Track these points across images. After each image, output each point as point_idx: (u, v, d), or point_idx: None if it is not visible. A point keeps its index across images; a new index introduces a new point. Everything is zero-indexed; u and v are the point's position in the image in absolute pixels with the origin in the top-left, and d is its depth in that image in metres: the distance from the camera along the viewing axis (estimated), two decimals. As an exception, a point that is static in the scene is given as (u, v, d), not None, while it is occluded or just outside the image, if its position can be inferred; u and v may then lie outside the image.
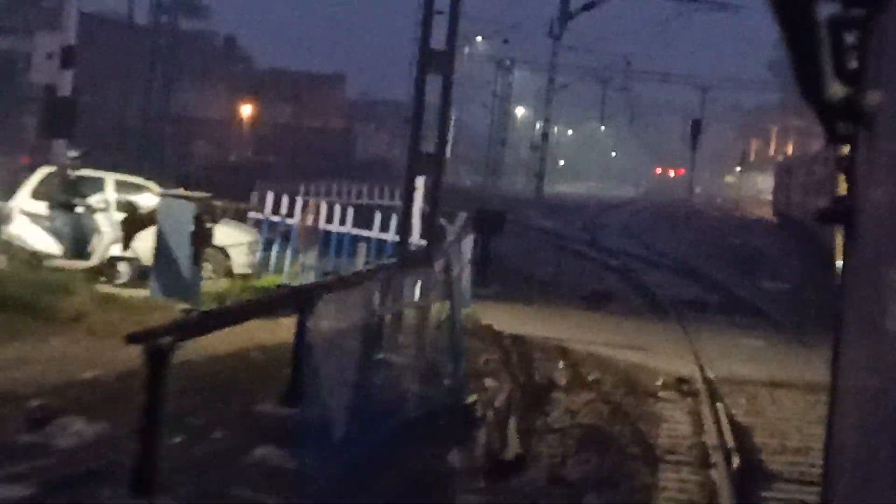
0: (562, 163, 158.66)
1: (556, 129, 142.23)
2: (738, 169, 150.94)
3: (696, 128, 56.72)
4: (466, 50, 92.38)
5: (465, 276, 17.48)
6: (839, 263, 3.08)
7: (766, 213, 70.29)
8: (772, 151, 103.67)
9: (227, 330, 9.83)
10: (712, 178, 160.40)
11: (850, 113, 2.69)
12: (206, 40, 73.07)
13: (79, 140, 20.75)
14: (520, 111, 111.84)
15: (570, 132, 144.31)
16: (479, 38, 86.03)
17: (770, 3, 2.30)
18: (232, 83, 69.25)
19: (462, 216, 21.02)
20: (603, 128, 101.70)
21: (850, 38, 2.79)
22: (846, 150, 3.18)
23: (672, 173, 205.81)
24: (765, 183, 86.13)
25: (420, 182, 18.04)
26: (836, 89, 2.60)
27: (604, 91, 79.07)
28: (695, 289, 28.23)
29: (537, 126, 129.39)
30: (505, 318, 18.11)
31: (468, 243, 18.67)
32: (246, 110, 67.91)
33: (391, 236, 19.43)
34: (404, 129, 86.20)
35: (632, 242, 43.57)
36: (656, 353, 17.11)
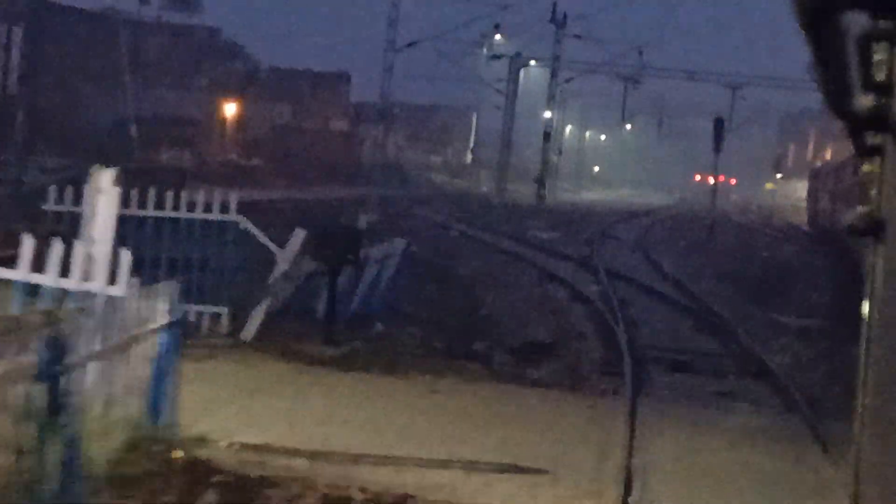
0: (596, 169, 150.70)
1: (587, 134, 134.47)
2: (779, 175, 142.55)
3: (720, 128, 48.75)
4: (484, 49, 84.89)
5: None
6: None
7: (803, 221, 62.65)
8: (810, 156, 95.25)
9: None
10: (752, 185, 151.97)
11: (878, 124, 2.59)
12: (194, 35, 65.94)
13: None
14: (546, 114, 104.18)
15: (602, 137, 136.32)
16: (497, 37, 78.47)
17: (796, 16, 2.29)
18: (217, 81, 62.02)
19: (297, 238, 13.47)
20: (629, 126, 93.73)
21: (878, 50, 2.52)
22: (871, 164, 2.82)
23: (711, 180, 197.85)
24: (804, 190, 78.17)
25: (106, 179, 10.32)
26: (865, 101, 2.51)
27: (625, 88, 70.91)
28: (686, 331, 20.54)
29: (567, 130, 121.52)
30: (300, 418, 10.54)
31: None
32: (230, 110, 60.67)
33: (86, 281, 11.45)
34: (420, 133, 78.22)
35: (636, 259, 35.84)
36: (554, 487, 9.50)
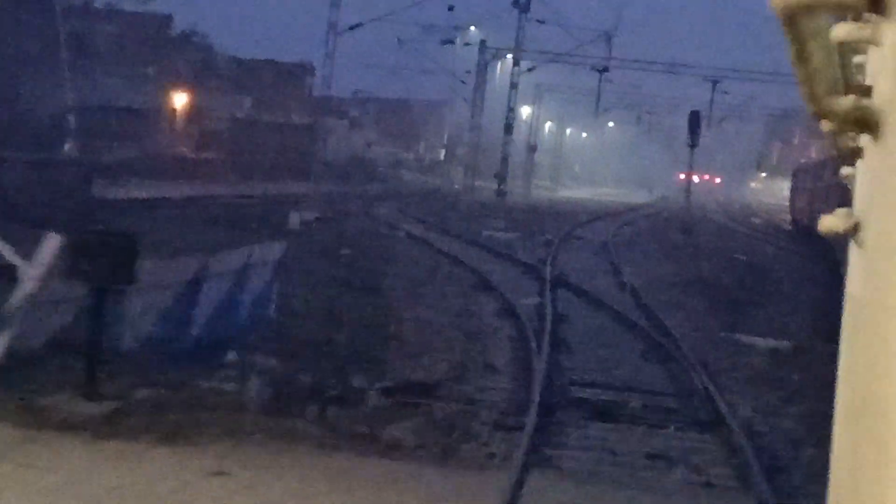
0: (577, 167, 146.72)
1: (568, 131, 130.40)
2: (764, 174, 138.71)
3: (695, 122, 44.86)
4: (458, 40, 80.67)
5: None
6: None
7: (787, 220, 58.89)
8: (795, 154, 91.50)
9: None
10: (739, 184, 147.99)
11: (858, 126, 2.53)
12: (146, 23, 61.81)
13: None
14: (525, 110, 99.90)
15: (584, 135, 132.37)
16: (472, 28, 74.44)
17: (777, 15, 2.23)
18: (168, 70, 57.86)
19: (48, 247, 9.51)
20: (611, 123, 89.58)
21: (857, 52, 2.68)
22: (850, 167, 2.92)
23: (697, 178, 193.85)
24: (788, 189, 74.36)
25: None
26: (845, 102, 2.46)
27: (599, 79, 66.89)
28: (629, 359, 16.57)
29: (546, 127, 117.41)
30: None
31: None
32: (179, 100, 56.62)
33: None
34: (392, 128, 74.14)
35: (595, 264, 31.93)
36: None
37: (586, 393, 13.38)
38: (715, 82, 66.61)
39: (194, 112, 60.61)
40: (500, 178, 54.85)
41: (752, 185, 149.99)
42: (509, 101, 56.23)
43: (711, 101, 66.24)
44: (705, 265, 35.07)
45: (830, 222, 2.64)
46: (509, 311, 19.46)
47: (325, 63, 40.95)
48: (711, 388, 13.69)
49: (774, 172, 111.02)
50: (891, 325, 2.09)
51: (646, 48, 62.10)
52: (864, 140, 2.59)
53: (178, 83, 57.17)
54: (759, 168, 79.78)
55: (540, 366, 13.82)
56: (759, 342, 19.17)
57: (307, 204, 38.46)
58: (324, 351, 14.32)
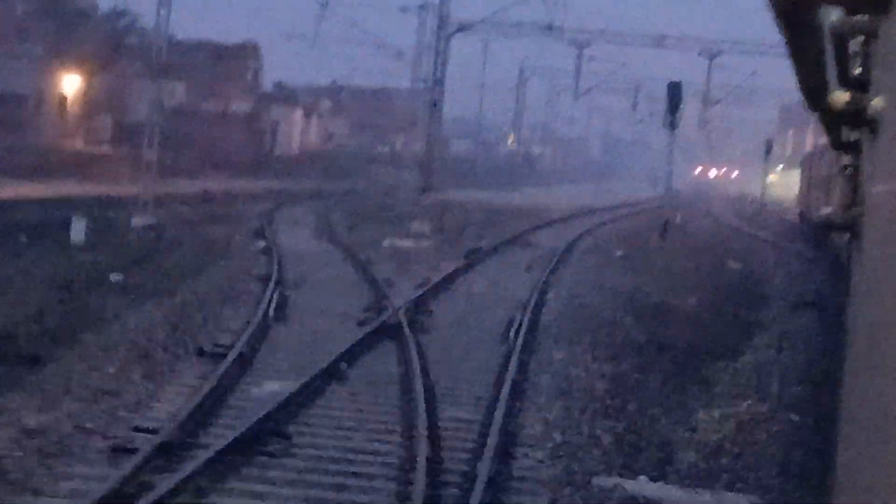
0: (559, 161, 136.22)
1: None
2: (781, 167, 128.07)
3: (675, 97, 34.73)
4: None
5: None
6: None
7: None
8: (809, 144, 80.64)
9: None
10: (757, 177, 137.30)
11: (854, 119, 2.64)
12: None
13: None
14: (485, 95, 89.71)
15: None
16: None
17: (773, 10, 2.27)
18: (63, 49, 48.00)
19: None
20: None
21: (854, 46, 2.59)
22: (846, 160, 2.94)
23: (714, 172, 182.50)
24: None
25: None
26: (841, 96, 2.48)
27: (578, 57, 56.50)
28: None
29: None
30: None
31: None
32: (71, 84, 46.87)
33: None
34: (366, 119, 63.59)
35: (513, 287, 22.10)
36: None
37: None
38: (711, 57, 56.31)
39: (101, 100, 50.87)
40: (426, 170, 44.73)
41: (770, 177, 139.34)
42: (435, 69, 45.98)
43: (708, 78, 56.09)
44: (679, 283, 25.17)
45: (827, 216, 3.75)
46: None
47: (159, 13, 31.15)
48: None
49: (790, 164, 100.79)
50: (890, 308, 1.92)
51: (632, 19, 51.74)
52: (861, 134, 2.64)
53: (76, 65, 47.42)
54: (768, 158, 69.33)
55: None
56: (720, 432, 9.78)
57: (151, 208, 28.67)
58: None
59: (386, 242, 27.99)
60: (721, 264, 31.18)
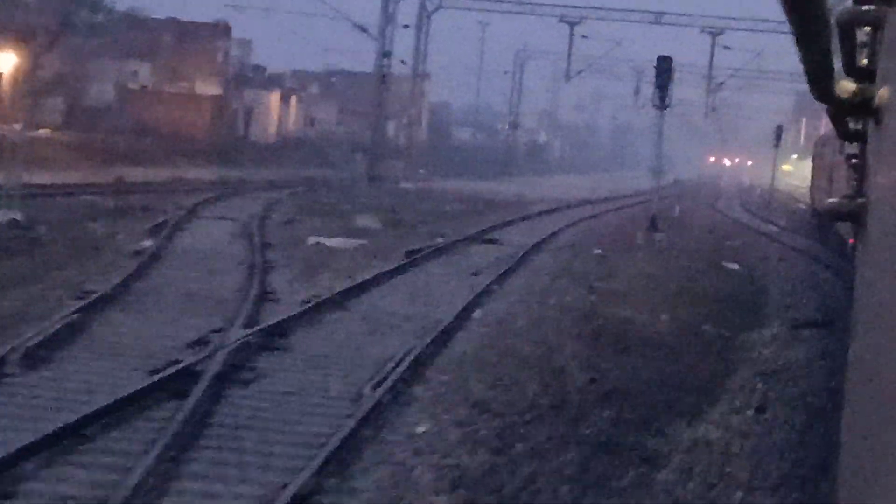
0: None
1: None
2: (795, 156, 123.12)
3: (664, 70, 29.81)
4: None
5: None
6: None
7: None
8: (823, 131, 75.57)
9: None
10: (775, 167, 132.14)
11: (860, 109, 2.55)
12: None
13: None
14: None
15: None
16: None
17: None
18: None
19: None
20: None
21: (861, 35, 2.55)
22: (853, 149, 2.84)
23: (728, 162, 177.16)
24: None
25: None
26: (847, 86, 2.49)
27: (571, 34, 51.47)
28: None
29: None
30: None
31: None
32: (5, 63, 42.11)
33: None
34: (355, 105, 58.98)
35: (429, 300, 17.33)
36: None
37: None
38: (714, 35, 51.12)
39: (52, 80, 46.18)
40: (372, 155, 39.79)
41: (784, 167, 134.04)
42: (416, 47, 40.77)
43: (711, 57, 50.93)
44: (651, 298, 20.31)
45: (833, 206, 2.58)
46: None
47: None
48: None
49: (805, 153, 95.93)
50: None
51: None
52: (867, 124, 2.56)
53: (14, 40, 42.68)
54: (779, 146, 64.29)
55: None
56: None
57: (19, 200, 23.86)
58: None
59: (310, 241, 23.19)
60: (714, 266, 26.33)
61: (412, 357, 11.72)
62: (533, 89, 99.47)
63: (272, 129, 59.02)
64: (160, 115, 51.13)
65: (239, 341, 11.59)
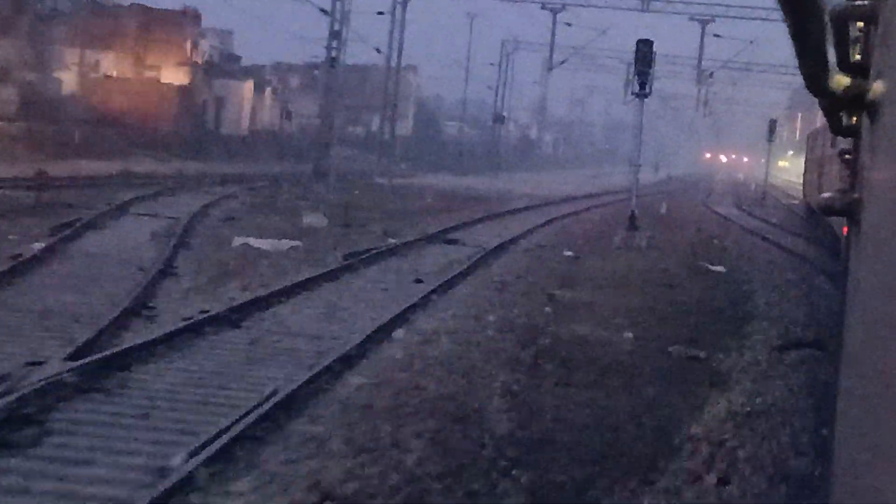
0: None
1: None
2: (791, 152, 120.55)
3: (645, 55, 27.00)
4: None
5: None
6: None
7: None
8: (818, 125, 72.55)
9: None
10: (770, 163, 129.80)
11: (854, 104, 2.51)
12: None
13: None
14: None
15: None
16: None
17: None
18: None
19: None
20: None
21: (854, 31, 2.51)
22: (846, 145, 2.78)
23: (724, 158, 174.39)
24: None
25: None
26: (841, 80, 2.42)
27: (553, 21, 48.47)
28: None
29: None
30: None
31: None
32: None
33: None
34: (345, 98, 56.25)
35: (351, 314, 14.56)
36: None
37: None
38: (703, 23, 48.23)
39: (4, 69, 43.36)
40: (322, 146, 36.90)
41: (780, 163, 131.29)
42: (390, 36, 37.70)
43: (701, 47, 48.06)
44: (623, 300, 17.67)
45: (826, 201, 2.48)
46: None
47: None
48: None
49: (801, 148, 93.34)
50: (893, 304, 1.90)
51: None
52: (860, 119, 2.51)
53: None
54: (772, 141, 61.60)
55: None
56: None
57: None
58: None
59: (236, 242, 20.40)
60: (697, 269, 23.57)
61: (269, 405, 8.88)
62: (526, 83, 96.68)
63: (245, 122, 56.18)
64: (123, 105, 48.34)
65: (45, 381, 8.77)
